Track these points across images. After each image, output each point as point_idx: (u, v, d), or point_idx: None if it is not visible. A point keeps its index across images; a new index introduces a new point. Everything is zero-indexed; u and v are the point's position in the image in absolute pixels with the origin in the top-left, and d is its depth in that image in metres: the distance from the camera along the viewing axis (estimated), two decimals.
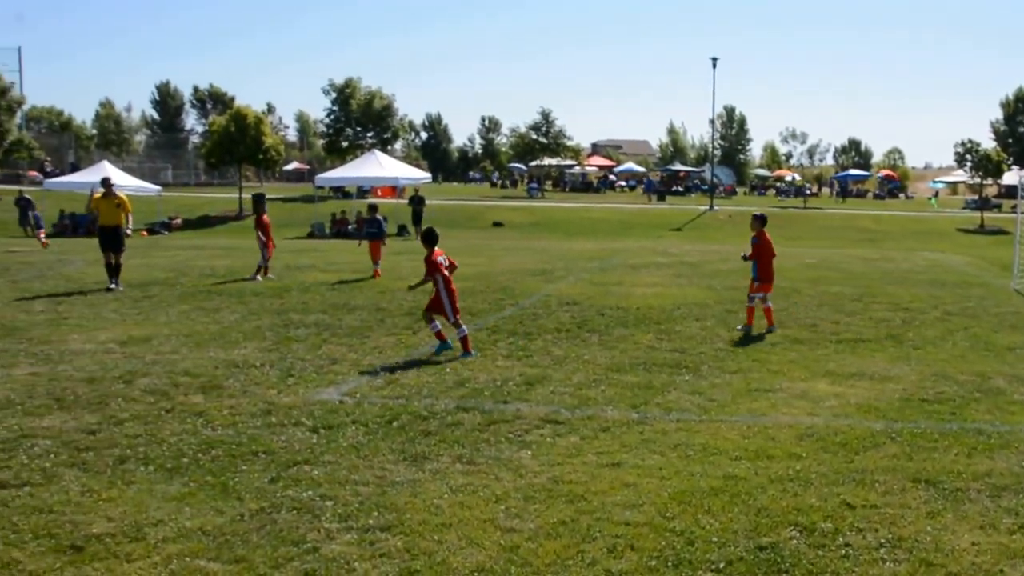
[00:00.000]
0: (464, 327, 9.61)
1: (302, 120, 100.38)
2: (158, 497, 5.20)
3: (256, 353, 9.43)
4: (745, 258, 11.92)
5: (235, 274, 17.47)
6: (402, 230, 35.06)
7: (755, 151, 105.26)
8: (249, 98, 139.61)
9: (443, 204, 43.65)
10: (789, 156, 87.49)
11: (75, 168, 51.45)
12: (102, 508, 5.03)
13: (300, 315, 12.05)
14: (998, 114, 62.84)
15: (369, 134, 60.17)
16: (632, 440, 6.43)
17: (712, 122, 71.58)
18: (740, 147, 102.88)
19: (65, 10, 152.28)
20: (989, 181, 49.81)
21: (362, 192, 48.21)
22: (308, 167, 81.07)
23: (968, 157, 44.89)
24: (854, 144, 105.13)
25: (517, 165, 73.30)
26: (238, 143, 43.69)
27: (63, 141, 69.92)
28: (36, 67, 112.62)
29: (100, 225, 15.58)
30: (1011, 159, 53.32)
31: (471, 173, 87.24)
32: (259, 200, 18.46)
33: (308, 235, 35.28)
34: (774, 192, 67.82)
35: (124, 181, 39.79)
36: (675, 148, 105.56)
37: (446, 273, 9.68)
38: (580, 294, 14.41)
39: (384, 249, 18.25)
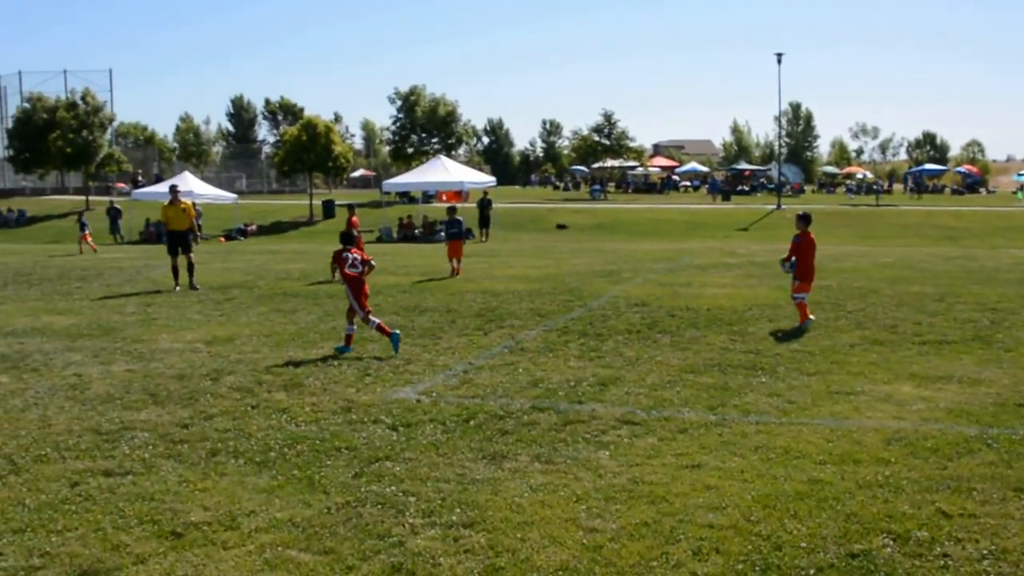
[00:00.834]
0: (374, 320, 9.83)
1: (368, 128, 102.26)
2: (249, 489, 5.35)
3: (333, 353, 9.61)
4: (784, 266, 11.74)
5: (308, 277, 17.86)
6: (468, 233, 35.30)
7: (823, 148, 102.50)
8: (316, 108, 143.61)
9: (507, 207, 43.80)
10: (860, 152, 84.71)
11: (159, 179, 53.58)
12: (198, 497, 5.21)
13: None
14: None
15: (434, 140, 60.78)
16: (711, 442, 6.30)
17: (778, 119, 70.02)
18: (807, 144, 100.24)
19: (147, 34, 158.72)
20: None
21: (427, 197, 48.74)
22: (374, 174, 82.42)
23: None
24: (929, 138, 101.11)
25: (579, 167, 73.04)
26: (309, 151, 44.80)
27: (147, 154, 72.95)
28: (124, 86, 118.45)
29: (169, 230, 16.37)
30: None
31: (532, 176, 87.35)
32: (349, 208, 19.11)
33: (376, 239, 35.86)
34: (843, 190, 65.86)
35: (203, 190, 41.26)
36: (739, 147, 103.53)
37: (347, 271, 9.90)
38: (649, 295, 14.24)
39: (464, 248, 18.69)
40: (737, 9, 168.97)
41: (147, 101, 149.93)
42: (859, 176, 70.23)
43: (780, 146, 72.59)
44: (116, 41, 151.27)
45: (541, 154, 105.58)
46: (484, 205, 34.25)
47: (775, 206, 46.78)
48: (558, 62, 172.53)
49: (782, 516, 4.89)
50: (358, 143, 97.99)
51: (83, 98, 51.68)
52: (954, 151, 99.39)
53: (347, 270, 9.90)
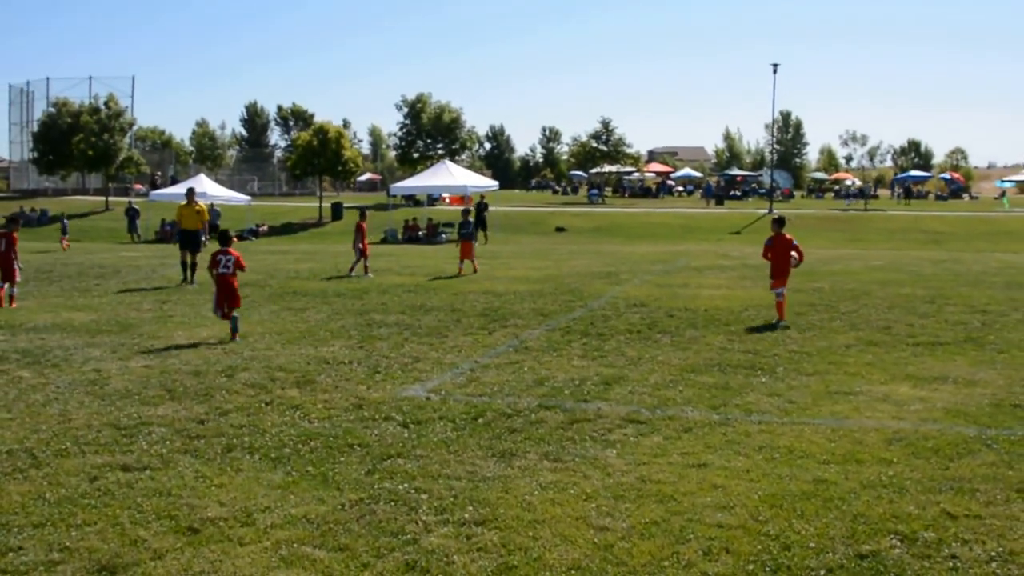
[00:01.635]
0: (220, 312, 10.41)
1: (375, 134, 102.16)
2: (264, 485, 5.21)
3: (343, 351, 9.48)
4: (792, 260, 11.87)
5: (318, 276, 17.72)
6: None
7: (811, 155, 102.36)
8: (326, 115, 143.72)
9: (508, 211, 43.65)
10: (849, 159, 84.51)
11: (175, 181, 53.53)
12: (214, 493, 5.07)
13: (381, 315, 12.10)
14: None
15: (439, 145, 60.73)
16: (716, 441, 6.17)
17: (770, 127, 69.88)
18: (796, 151, 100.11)
19: (168, 45, 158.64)
20: None
21: (432, 200, 48.61)
22: (381, 177, 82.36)
23: None
24: (914, 145, 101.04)
25: (577, 172, 72.95)
26: (319, 156, 44.68)
27: (164, 157, 72.83)
28: (144, 93, 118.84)
29: (182, 229, 16.97)
30: None
31: (533, 181, 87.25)
32: (361, 212, 19.40)
33: (381, 240, 35.71)
34: (832, 195, 65.69)
35: (218, 192, 41.11)
36: (731, 153, 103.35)
37: (220, 270, 10.44)
38: (647, 296, 14.11)
39: (475, 247, 18.82)
40: (727, 22, 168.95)
41: (166, 107, 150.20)
42: (847, 183, 70.07)
43: (772, 153, 72.39)
44: (139, 51, 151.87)
45: (541, 159, 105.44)
46: (480, 209, 34.12)
47: (767, 210, 46.66)
48: (557, 72, 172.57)
49: (789, 516, 4.76)
50: (366, 148, 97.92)
51: (106, 103, 51.86)
52: (938, 158, 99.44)
53: (220, 270, 10.47)
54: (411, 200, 49.23)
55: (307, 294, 14.55)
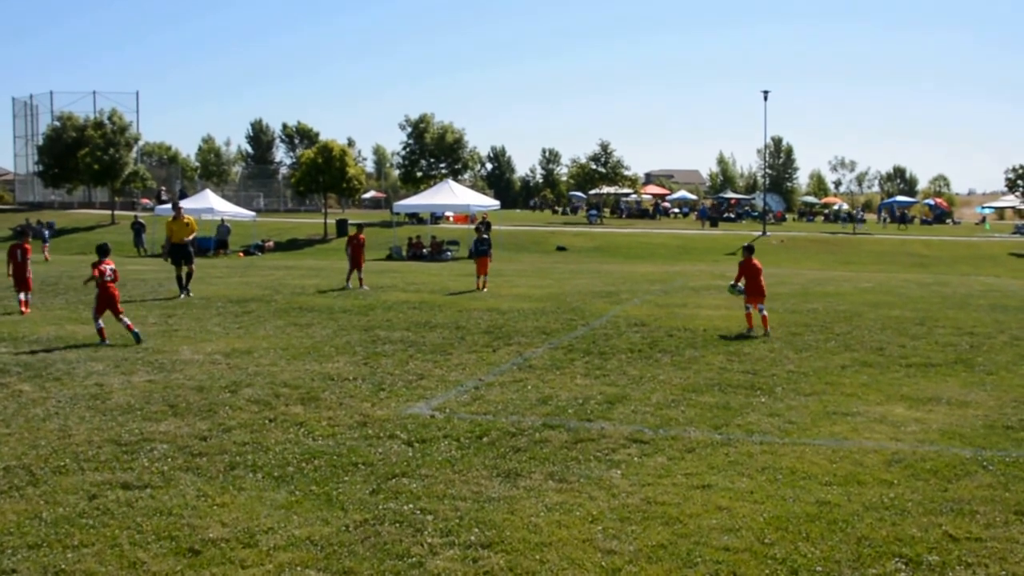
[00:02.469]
0: (99, 323, 10.74)
1: (379, 152, 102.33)
2: (267, 504, 5.05)
3: (348, 367, 9.33)
4: (734, 288, 12.90)
5: (323, 292, 17.57)
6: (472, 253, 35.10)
7: (802, 179, 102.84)
8: (331, 133, 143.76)
9: (510, 230, 43.59)
10: (839, 184, 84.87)
11: (183, 196, 53.30)
12: (216, 513, 4.90)
13: (386, 332, 11.96)
14: None
15: (442, 165, 60.70)
16: (719, 462, 6.03)
17: (763, 152, 70.12)
18: (788, 175, 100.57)
19: (174, 63, 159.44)
20: None
21: (435, 218, 48.56)
22: (385, 195, 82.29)
23: (1020, 183, 42.77)
24: (899, 171, 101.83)
25: (576, 193, 73.03)
26: (324, 173, 44.57)
27: (171, 172, 72.57)
28: (150, 109, 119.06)
29: (172, 242, 16.82)
30: None
31: (532, 200, 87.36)
32: (356, 226, 19.69)
33: (387, 257, 35.61)
34: (822, 218, 65.81)
35: (224, 208, 41.01)
36: (725, 177, 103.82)
37: (106, 280, 10.87)
38: (647, 315, 13.99)
39: (489, 264, 19.09)
40: (720, 51, 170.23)
41: (171, 123, 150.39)
42: (836, 207, 70.25)
43: (765, 177, 72.57)
44: (145, 68, 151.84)
45: (541, 180, 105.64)
46: (483, 228, 34.01)
47: (760, 233, 46.69)
48: (558, 95, 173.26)
49: (795, 539, 4.63)
50: (370, 166, 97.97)
51: (110, 118, 51.56)
52: (922, 184, 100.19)
53: (105, 280, 10.89)
54: (415, 218, 49.15)
55: (312, 310, 14.41)
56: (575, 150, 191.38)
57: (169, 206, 43.27)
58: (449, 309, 14.71)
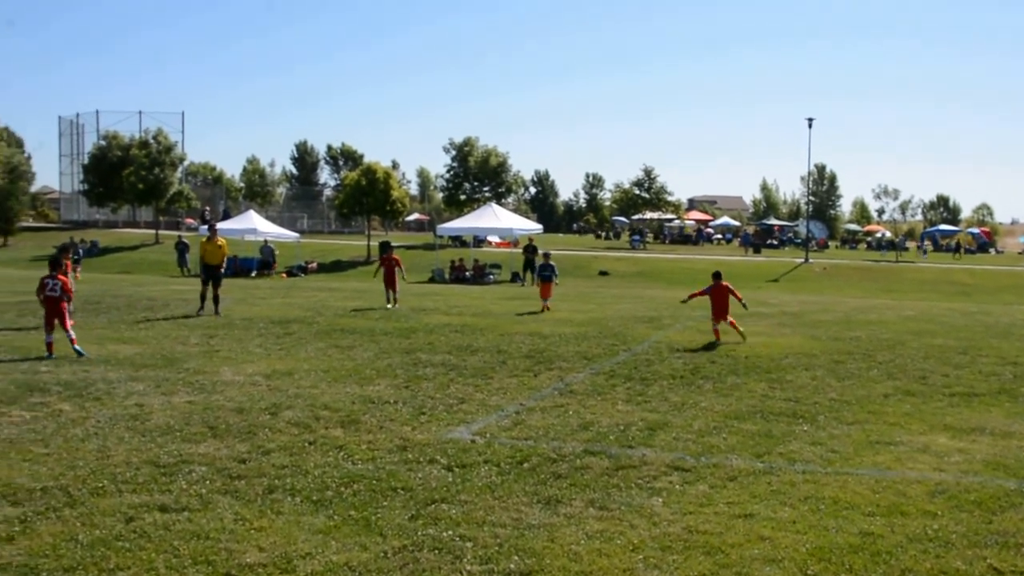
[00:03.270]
0: (49, 337, 11.19)
1: (423, 175, 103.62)
2: (305, 529, 5.06)
3: (389, 390, 9.37)
4: (685, 301, 15.27)
5: (366, 315, 17.72)
6: (515, 277, 35.14)
7: (845, 207, 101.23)
8: (375, 155, 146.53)
9: (553, 254, 43.49)
10: (881, 212, 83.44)
11: (227, 216, 54.19)
12: (254, 537, 4.91)
13: (427, 355, 12.00)
14: None
15: (485, 188, 61.13)
16: (761, 491, 5.90)
17: (806, 179, 69.27)
18: (831, 203, 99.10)
19: (221, 84, 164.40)
20: None
21: (478, 241, 48.84)
22: (428, 218, 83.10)
23: None
24: (942, 200, 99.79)
25: (619, 218, 72.86)
26: (368, 195, 45.24)
27: (215, 192, 73.82)
28: (196, 130, 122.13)
29: (205, 263, 17.39)
30: None
31: (575, 225, 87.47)
32: (382, 245, 19.83)
33: (429, 280, 35.89)
34: (865, 246, 64.53)
35: (268, 229, 41.85)
36: (768, 203, 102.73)
37: (47, 294, 11.33)
38: (689, 341, 13.82)
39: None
40: (765, 78, 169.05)
41: (217, 143, 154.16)
42: (879, 235, 68.86)
43: (808, 204, 71.51)
44: (191, 88, 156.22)
45: (584, 204, 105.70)
46: (530, 251, 34.06)
47: (803, 260, 45.90)
48: (602, 120, 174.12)
49: (838, 570, 4.52)
50: (414, 189, 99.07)
51: (155, 137, 52.32)
52: (965, 213, 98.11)
53: (47, 293, 11.36)
54: (458, 241, 49.54)
55: (355, 332, 14.53)
56: (619, 175, 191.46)
57: (218, 225, 44.34)
58: (491, 333, 14.72)
